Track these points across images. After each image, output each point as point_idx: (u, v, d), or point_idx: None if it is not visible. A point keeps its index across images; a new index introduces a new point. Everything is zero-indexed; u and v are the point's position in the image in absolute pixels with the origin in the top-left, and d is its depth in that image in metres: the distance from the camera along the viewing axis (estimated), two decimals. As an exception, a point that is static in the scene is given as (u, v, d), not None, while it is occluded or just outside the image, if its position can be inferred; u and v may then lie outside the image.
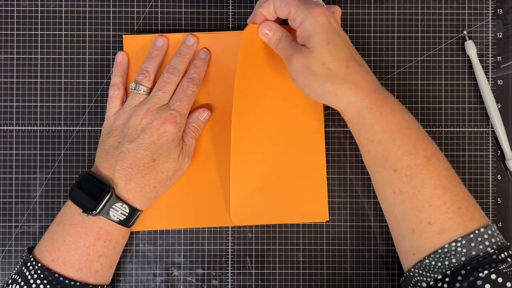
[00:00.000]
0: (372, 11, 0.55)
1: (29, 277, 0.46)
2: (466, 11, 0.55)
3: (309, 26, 0.45)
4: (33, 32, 0.54)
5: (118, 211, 0.47)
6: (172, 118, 0.48)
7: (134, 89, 0.50)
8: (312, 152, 0.53)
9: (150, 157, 0.48)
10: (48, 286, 0.45)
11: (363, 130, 0.46)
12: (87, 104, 0.54)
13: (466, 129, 0.55)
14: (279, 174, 0.53)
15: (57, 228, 0.47)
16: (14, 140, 0.54)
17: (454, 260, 0.43)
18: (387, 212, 0.48)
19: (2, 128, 0.54)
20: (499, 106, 0.55)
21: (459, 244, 0.43)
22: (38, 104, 0.54)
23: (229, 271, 0.54)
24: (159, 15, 0.55)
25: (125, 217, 0.47)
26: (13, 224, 0.54)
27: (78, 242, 0.46)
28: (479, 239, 0.43)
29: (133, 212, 0.48)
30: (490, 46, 0.55)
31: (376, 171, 0.46)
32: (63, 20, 0.54)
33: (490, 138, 0.55)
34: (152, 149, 0.48)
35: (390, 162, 0.45)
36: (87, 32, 0.54)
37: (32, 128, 0.54)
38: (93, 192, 0.46)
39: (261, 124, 0.52)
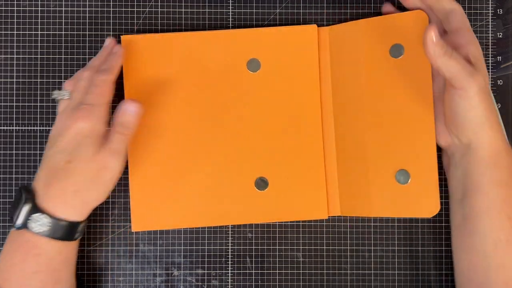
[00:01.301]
0: (372, 11, 0.55)
1: None
2: (466, 11, 0.55)
3: (476, 51, 0.46)
4: (33, 32, 0.54)
5: (38, 222, 0.44)
6: (82, 113, 0.45)
7: (58, 97, 0.48)
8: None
9: (65, 159, 0.45)
10: None
11: (494, 171, 0.44)
12: (87, 104, 0.54)
13: (466, 129, 0.55)
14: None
15: (3, 246, 0.46)
16: (14, 140, 0.54)
17: None
18: (477, 259, 0.45)
19: (2, 128, 0.54)
20: (499, 106, 0.55)
21: None
22: (38, 104, 0.54)
23: (229, 271, 0.54)
24: (159, 15, 0.55)
25: (48, 228, 0.44)
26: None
27: (13, 258, 0.44)
28: None
29: (56, 223, 0.44)
30: (490, 46, 0.55)
31: (486, 215, 0.44)
32: (63, 20, 0.54)
33: (490, 138, 0.55)
34: (67, 150, 0.45)
35: (507, 208, 0.44)
36: (87, 32, 0.54)
37: (32, 128, 0.54)
38: (13, 204, 0.45)
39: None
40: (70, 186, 0.45)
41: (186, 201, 0.53)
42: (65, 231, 0.45)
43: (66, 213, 0.45)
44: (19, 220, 0.44)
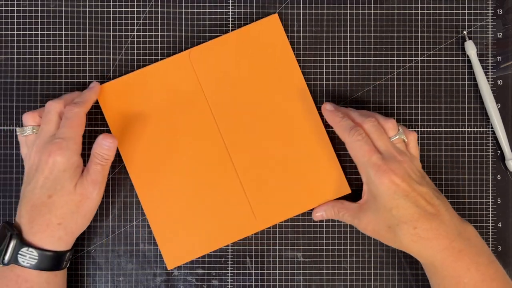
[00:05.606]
0: (372, 11, 0.55)
1: None
2: (466, 11, 0.55)
3: (372, 187, 0.48)
4: (33, 32, 0.54)
5: (26, 256, 0.45)
6: (56, 147, 0.46)
7: (21, 133, 0.49)
8: (314, 137, 0.53)
9: (46, 194, 0.46)
10: None
11: (436, 278, 0.47)
12: (87, 104, 0.54)
13: (466, 129, 0.55)
14: (286, 166, 0.53)
15: None
16: (14, 140, 0.54)
17: None
18: None
19: (2, 128, 0.54)
20: (499, 106, 0.55)
21: None
22: (38, 104, 0.54)
23: (229, 271, 0.54)
24: (159, 15, 0.55)
25: (36, 261, 0.46)
26: (13, 224, 0.54)
27: None
28: None
29: (43, 255, 0.46)
30: (490, 46, 0.55)
31: None
32: (63, 20, 0.54)
33: (490, 138, 0.55)
34: (46, 185, 0.46)
35: None
36: (87, 32, 0.54)
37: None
38: (0, 241, 0.46)
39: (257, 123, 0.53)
40: (54, 219, 0.47)
41: (205, 227, 0.52)
42: (53, 261, 0.47)
43: (53, 245, 0.47)
44: (7, 256, 0.45)
